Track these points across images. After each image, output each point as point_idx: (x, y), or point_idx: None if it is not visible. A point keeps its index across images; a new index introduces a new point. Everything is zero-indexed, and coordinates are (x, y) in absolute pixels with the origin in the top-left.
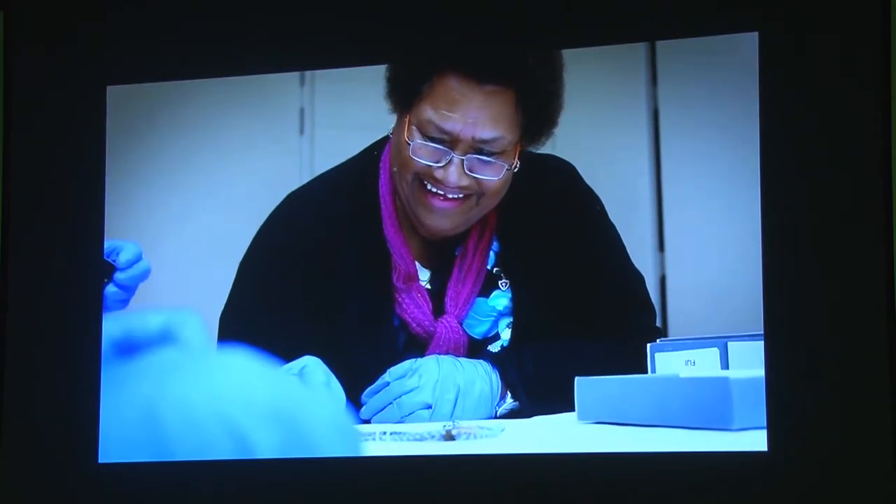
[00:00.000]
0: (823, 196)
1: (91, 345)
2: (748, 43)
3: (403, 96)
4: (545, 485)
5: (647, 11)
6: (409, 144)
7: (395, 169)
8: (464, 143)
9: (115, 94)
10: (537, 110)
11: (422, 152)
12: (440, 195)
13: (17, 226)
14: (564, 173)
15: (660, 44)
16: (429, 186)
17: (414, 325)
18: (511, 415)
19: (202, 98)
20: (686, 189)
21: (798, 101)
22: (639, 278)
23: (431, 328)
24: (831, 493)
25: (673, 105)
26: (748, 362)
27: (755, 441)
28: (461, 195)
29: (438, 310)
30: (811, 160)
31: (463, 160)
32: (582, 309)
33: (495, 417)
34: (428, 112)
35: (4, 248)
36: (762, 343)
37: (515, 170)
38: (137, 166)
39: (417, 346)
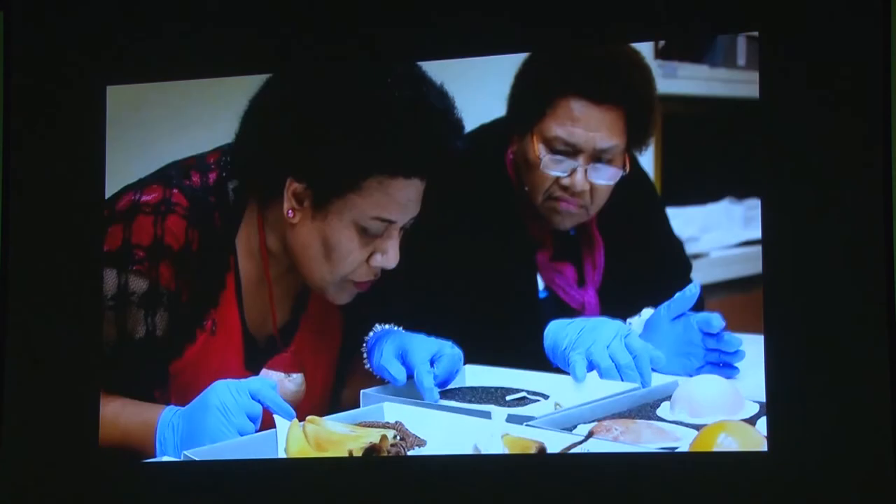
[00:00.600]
0: (824, 195)
1: (91, 344)
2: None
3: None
4: (545, 484)
5: (646, 11)
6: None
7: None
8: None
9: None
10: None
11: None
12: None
13: (18, 226)
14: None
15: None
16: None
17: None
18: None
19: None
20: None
21: (798, 100)
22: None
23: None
24: (831, 493)
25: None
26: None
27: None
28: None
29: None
30: (811, 165)
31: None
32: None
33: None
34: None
35: (4, 247)
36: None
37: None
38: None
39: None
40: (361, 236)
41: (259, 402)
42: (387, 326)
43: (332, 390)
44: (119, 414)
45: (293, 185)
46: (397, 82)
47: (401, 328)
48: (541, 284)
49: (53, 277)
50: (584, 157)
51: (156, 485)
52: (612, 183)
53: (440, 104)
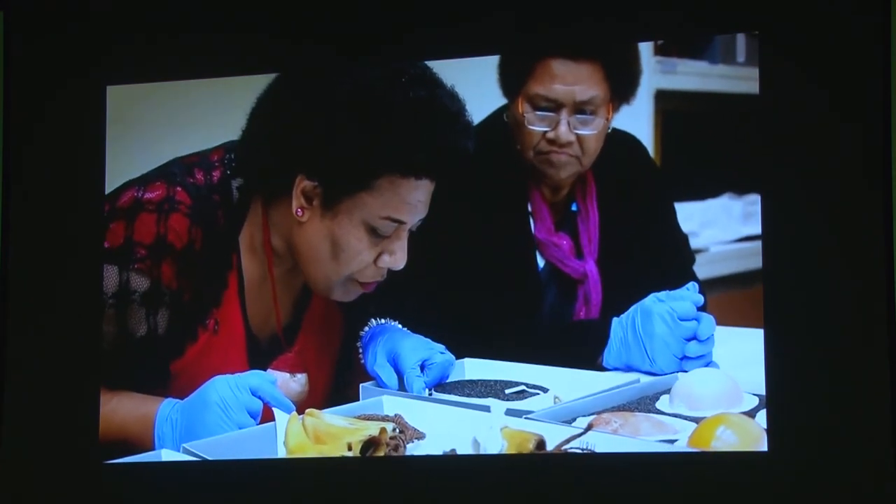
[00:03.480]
0: (823, 191)
1: (91, 345)
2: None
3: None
4: (544, 483)
5: (647, 11)
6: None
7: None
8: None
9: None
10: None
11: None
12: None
13: (18, 225)
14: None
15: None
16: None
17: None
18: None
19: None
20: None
21: (797, 96)
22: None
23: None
24: (831, 493)
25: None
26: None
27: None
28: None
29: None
30: (811, 160)
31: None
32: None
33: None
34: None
35: (4, 247)
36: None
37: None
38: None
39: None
40: (371, 236)
41: (259, 397)
42: (382, 321)
43: (333, 387)
44: (117, 408)
45: (303, 183)
46: (411, 83)
47: (396, 323)
48: (540, 262)
49: (53, 277)
50: (566, 111)
51: (156, 484)
52: (595, 132)
53: (453, 107)
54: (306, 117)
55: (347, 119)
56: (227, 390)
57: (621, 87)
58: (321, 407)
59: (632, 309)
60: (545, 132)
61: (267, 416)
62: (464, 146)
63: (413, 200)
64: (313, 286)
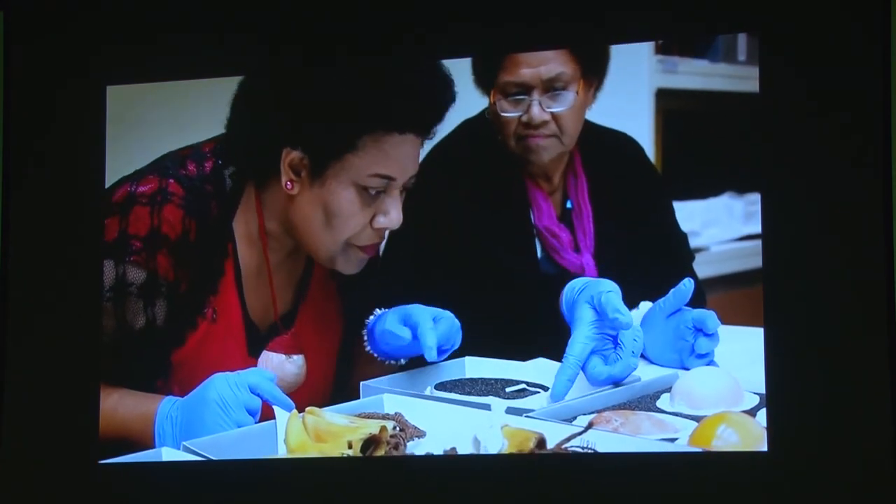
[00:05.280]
0: (824, 190)
1: (91, 344)
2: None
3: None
4: (544, 482)
5: (647, 11)
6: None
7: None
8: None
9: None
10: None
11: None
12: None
13: (18, 225)
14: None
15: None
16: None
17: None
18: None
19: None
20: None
21: (798, 95)
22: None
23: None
24: (831, 493)
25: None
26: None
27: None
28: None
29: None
30: (811, 160)
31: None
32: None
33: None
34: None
35: (4, 247)
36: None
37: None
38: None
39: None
40: (362, 197)
41: (258, 395)
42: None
43: (335, 375)
44: (117, 406)
45: (289, 156)
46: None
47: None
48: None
49: (54, 277)
50: (536, 92)
51: (156, 483)
52: (568, 108)
53: (428, 60)
54: (284, 89)
55: (323, 84)
56: (226, 388)
57: (590, 63)
58: (323, 392)
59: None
60: (520, 117)
61: (267, 414)
62: (443, 96)
63: (399, 156)
64: (317, 259)
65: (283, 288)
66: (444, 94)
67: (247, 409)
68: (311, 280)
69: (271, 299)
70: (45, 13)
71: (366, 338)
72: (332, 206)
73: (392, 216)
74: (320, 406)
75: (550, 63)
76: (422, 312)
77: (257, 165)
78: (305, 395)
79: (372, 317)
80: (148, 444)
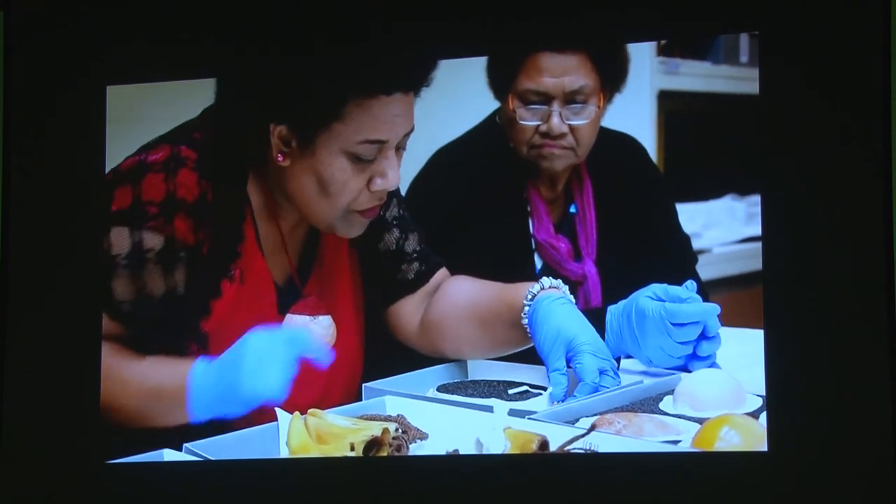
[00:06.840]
0: (824, 192)
1: (91, 344)
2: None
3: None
4: (548, 484)
5: (647, 11)
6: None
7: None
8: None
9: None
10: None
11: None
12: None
13: (18, 225)
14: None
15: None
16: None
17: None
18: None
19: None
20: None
21: (799, 97)
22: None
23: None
24: (831, 493)
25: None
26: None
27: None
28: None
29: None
30: (811, 159)
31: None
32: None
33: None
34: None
35: (4, 247)
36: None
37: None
38: None
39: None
40: (354, 164)
41: (295, 348)
42: (547, 288)
43: (365, 334)
44: (147, 372)
45: (277, 129)
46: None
47: (565, 297)
48: (538, 263)
49: (54, 278)
50: (557, 102)
51: (158, 484)
52: (588, 121)
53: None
54: (263, 66)
55: (302, 56)
56: (263, 345)
57: (611, 75)
58: (355, 353)
59: (626, 302)
60: (538, 126)
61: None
62: (423, 52)
63: (388, 117)
64: (318, 226)
65: (297, 253)
66: (427, 50)
67: (283, 364)
68: (322, 243)
69: (288, 262)
70: (45, 13)
71: (525, 321)
72: (325, 175)
73: (389, 177)
74: (356, 367)
75: (573, 74)
76: (591, 363)
77: (252, 146)
78: (336, 344)
79: (529, 297)
80: (181, 408)
